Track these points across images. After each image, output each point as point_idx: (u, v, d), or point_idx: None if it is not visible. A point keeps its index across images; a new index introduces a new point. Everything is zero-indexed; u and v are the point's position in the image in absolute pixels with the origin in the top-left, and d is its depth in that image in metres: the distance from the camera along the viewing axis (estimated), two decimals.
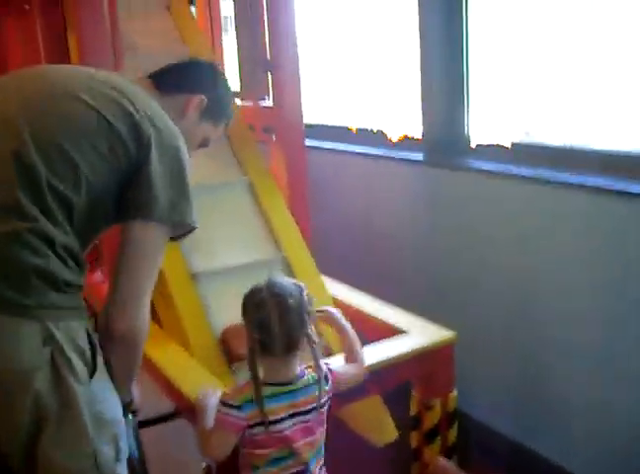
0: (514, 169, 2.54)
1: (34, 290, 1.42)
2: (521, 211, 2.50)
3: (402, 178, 3.08)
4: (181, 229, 1.62)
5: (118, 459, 1.54)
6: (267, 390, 1.70)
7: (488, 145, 2.76)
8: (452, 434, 2.28)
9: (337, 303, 2.53)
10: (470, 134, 2.89)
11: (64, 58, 3.01)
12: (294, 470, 1.75)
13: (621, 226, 2.18)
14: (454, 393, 2.25)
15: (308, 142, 3.09)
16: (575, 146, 2.50)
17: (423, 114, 2.98)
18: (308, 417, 1.74)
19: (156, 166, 1.54)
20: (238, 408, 1.70)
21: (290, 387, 1.72)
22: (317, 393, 1.74)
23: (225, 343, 2.32)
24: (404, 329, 2.28)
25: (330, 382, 1.78)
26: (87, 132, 1.50)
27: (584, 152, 2.44)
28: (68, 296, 1.48)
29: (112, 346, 1.55)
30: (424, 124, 2.99)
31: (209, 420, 1.78)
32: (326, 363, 1.82)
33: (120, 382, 1.60)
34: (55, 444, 1.44)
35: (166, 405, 2.35)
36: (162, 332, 2.47)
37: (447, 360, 2.21)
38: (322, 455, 1.82)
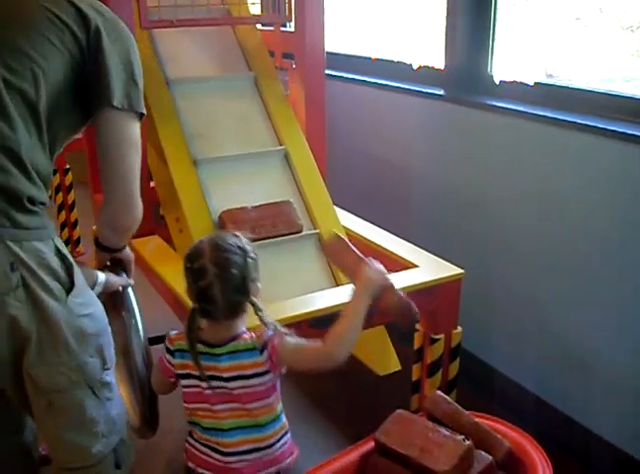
0: (535, 109, 2.49)
1: None
2: (540, 153, 2.47)
3: (421, 111, 3.04)
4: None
5: (105, 368, 1.59)
6: (199, 347, 1.65)
7: (511, 83, 2.70)
8: (454, 369, 2.32)
9: (349, 235, 2.56)
10: (493, 72, 2.84)
11: None
12: (214, 446, 1.70)
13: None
14: (458, 329, 2.28)
15: (327, 71, 3.06)
16: (598, 90, 2.45)
17: (446, 48, 2.93)
18: (231, 384, 1.64)
19: (109, 53, 1.53)
20: (171, 353, 1.70)
21: (217, 350, 1.64)
22: (252, 362, 1.64)
23: (222, 225, 2.40)
24: (415, 263, 2.30)
25: (266, 354, 1.63)
26: (37, 26, 1.47)
27: (608, 96, 2.40)
28: (32, 215, 1.46)
29: (114, 234, 1.65)
30: (446, 59, 2.95)
31: None
32: (274, 333, 1.66)
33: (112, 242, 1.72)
34: (40, 363, 1.47)
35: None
36: (175, 254, 2.51)
37: (454, 296, 2.24)
38: (256, 433, 1.70)
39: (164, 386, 1.78)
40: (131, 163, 1.59)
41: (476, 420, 1.94)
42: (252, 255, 1.63)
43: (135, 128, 1.60)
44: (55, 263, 1.48)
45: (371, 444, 1.95)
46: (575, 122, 2.32)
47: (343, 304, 2.02)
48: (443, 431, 1.88)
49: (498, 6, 2.76)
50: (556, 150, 2.41)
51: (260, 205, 2.47)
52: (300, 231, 2.46)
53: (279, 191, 2.59)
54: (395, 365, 2.48)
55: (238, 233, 1.68)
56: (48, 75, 1.46)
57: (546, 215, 2.47)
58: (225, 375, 1.63)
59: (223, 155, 2.61)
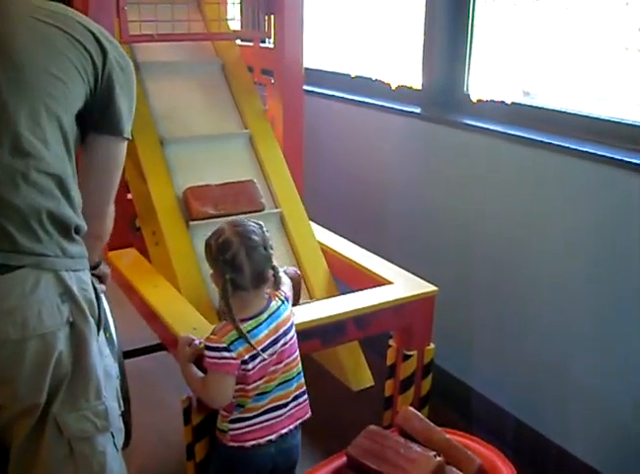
0: (512, 129, 2.51)
1: (49, 238, 1.35)
2: (517, 173, 2.50)
3: (398, 129, 3.07)
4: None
5: (120, 414, 1.54)
6: (247, 325, 1.76)
7: (488, 101, 2.73)
8: (426, 385, 2.33)
9: (325, 251, 2.58)
10: (470, 91, 2.87)
11: None
12: (293, 395, 1.88)
13: (620, 197, 2.16)
14: (431, 346, 2.29)
15: (307, 87, 3.08)
16: (576, 111, 2.47)
17: (423, 66, 2.95)
18: (289, 335, 1.84)
19: (119, 82, 1.50)
20: (227, 349, 1.73)
21: (265, 315, 1.79)
22: (289, 313, 1.86)
23: (186, 202, 2.46)
24: (389, 279, 2.31)
25: (290, 303, 1.89)
26: (61, 50, 1.41)
27: (584, 118, 2.40)
28: (77, 244, 1.43)
29: (89, 244, 1.52)
30: (424, 77, 2.97)
31: (194, 369, 1.84)
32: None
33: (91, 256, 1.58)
34: (70, 408, 1.40)
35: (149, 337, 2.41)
36: (151, 267, 2.52)
37: (428, 313, 2.25)
38: (302, 378, 1.92)
39: (229, 390, 1.78)
40: (116, 182, 1.59)
41: (447, 436, 1.96)
42: (265, 228, 1.83)
43: (125, 151, 1.59)
44: (92, 295, 1.44)
45: (344, 459, 1.96)
46: (550, 143, 2.34)
47: (317, 319, 2.06)
48: (415, 447, 1.90)
49: (475, 25, 2.80)
50: (532, 170, 2.44)
51: (224, 184, 2.53)
52: (262, 209, 2.53)
53: (243, 172, 2.67)
54: (369, 381, 2.49)
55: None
56: (73, 101, 1.43)
57: (525, 234, 2.49)
58: (283, 329, 1.82)
59: (191, 135, 2.71)
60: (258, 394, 1.81)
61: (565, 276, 2.36)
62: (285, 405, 1.86)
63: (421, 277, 2.33)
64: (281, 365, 1.82)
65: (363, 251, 2.56)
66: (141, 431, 2.01)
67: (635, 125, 2.23)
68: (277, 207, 2.61)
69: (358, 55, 3.73)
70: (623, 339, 2.21)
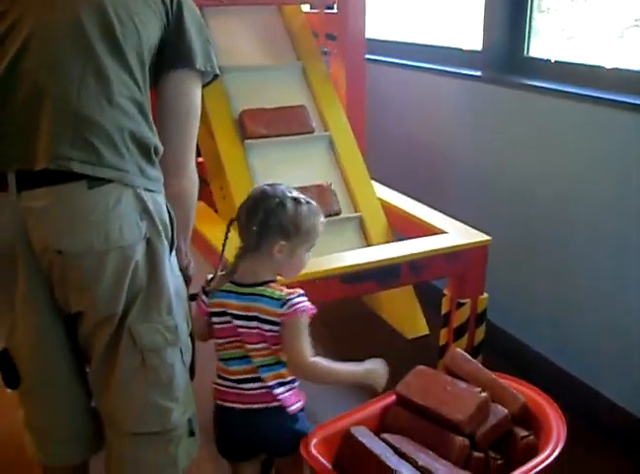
0: (570, 88, 2.53)
1: (130, 155, 1.45)
2: (573, 132, 2.51)
3: (458, 93, 3.12)
4: (208, 77, 1.67)
5: (189, 334, 1.65)
6: (227, 285, 1.73)
7: (545, 62, 2.75)
8: (479, 334, 2.38)
9: (383, 204, 2.66)
10: (531, 52, 2.90)
11: None
12: (248, 376, 1.75)
13: None
14: (485, 295, 2.34)
15: (370, 56, 3.17)
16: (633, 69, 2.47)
17: (484, 28, 2.99)
18: (254, 323, 1.69)
19: (188, 16, 1.57)
20: (206, 294, 1.76)
21: (242, 289, 1.71)
22: (267, 307, 1.69)
23: (241, 122, 2.61)
24: (444, 229, 2.38)
25: (286, 309, 1.67)
26: None
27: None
28: (155, 167, 1.52)
29: (172, 202, 1.58)
30: (484, 41, 3.01)
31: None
32: (300, 300, 1.70)
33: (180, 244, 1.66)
34: (143, 320, 1.51)
35: None
36: (217, 216, 2.64)
37: (481, 262, 2.31)
38: (279, 373, 1.76)
39: (200, 330, 1.81)
40: (194, 126, 1.62)
41: (494, 376, 2.01)
42: (288, 204, 1.67)
43: (199, 94, 1.64)
44: (166, 217, 1.53)
45: (393, 398, 2.03)
46: (611, 100, 2.35)
47: (373, 262, 2.13)
48: (461, 384, 1.95)
49: None
50: (590, 127, 2.45)
51: (277, 108, 2.70)
52: (312, 131, 2.71)
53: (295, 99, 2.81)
54: (424, 329, 2.55)
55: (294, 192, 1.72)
56: (149, 34, 1.51)
57: (583, 193, 2.51)
58: (247, 314, 1.70)
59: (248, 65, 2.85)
60: (222, 359, 1.79)
61: (622, 229, 2.37)
62: (236, 381, 1.77)
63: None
64: (237, 342, 1.74)
65: (420, 204, 2.64)
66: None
67: None
68: (325, 131, 2.76)
69: (418, 22, 3.78)
70: None
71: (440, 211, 2.60)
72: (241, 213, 1.70)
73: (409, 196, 2.78)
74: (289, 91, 2.83)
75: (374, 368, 1.80)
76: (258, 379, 1.74)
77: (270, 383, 1.74)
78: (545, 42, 2.85)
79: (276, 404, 1.75)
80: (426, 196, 2.84)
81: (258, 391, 1.75)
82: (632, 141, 2.29)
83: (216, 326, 1.75)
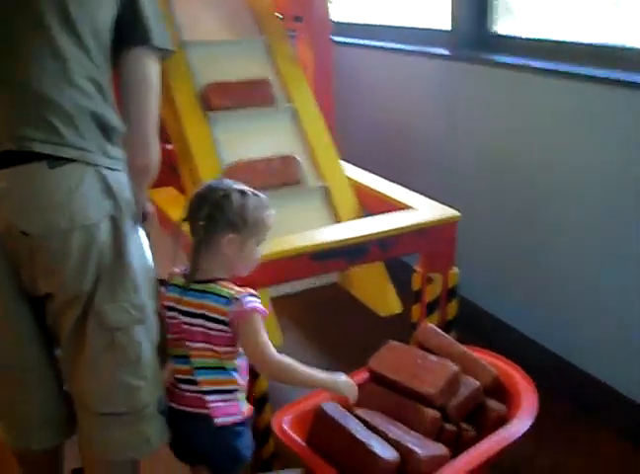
0: (534, 62, 2.55)
1: (92, 135, 1.47)
2: (540, 105, 2.53)
3: (428, 72, 3.12)
4: (166, 54, 1.67)
5: (156, 313, 1.65)
6: (179, 280, 1.70)
7: (512, 38, 2.77)
8: (452, 309, 2.38)
9: (352, 183, 2.67)
10: (497, 29, 2.91)
11: None
12: (186, 377, 1.70)
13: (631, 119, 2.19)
14: (455, 270, 2.35)
15: (340, 38, 3.18)
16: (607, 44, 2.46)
17: (452, 8, 3.00)
18: (199, 321, 1.64)
19: None
20: (166, 286, 1.73)
21: (193, 286, 1.66)
22: (214, 305, 1.63)
23: (205, 96, 2.65)
24: (413, 206, 2.38)
25: (233, 307, 1.61)
26: None
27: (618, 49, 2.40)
28: (116, 145, 1.53)
29: (132, 177, 1.59)
30: (452, 20, 3.02)
31: None
32: (249, 299, 1.63)
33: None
34: (110, 299, 1.52)
35: None
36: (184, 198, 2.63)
37: (450, 237, 2.31)
38: (217, 380, 1.69)
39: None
40: (153, 102, 1.62)
41: (465, 349, 2.02)
42: (234, 196, 1.62)
43: (157, 69, 1.63)
44: (129, 194, 1.55)
45: (366, 374, 2.03)
46: (574, 73, 2.37)
47: (344, 240, 2.13)
48: (432, 357, 1.96)
49: None
50: (556, 100, 2.47)
51: (240, 81, 2.73)
52: (273, 104, 2.75)
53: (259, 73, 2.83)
54: (396, 307, 2.55)
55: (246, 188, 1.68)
56: (104, 12, 1.51)
57: (549, 163, 2.53)
58: (191, 310, 1.66)
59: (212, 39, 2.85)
60: (170, 355, 1.74)
61: (592, 197, 2.39)
62: (178, 381, 1.72)
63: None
64: (181, 340, 1.69)
65: (389, 182, 2.63)
66: None
67: None
68: (288, 103, 2.78)
69: (389, 4, 3.78)
70: None
71: (412, 190, 2.60)
72: (189, 210, 1.66)
73: (380, 176, 2.78)
74: (254, 65, 2.82)
75: (345, 380, 1.77)
76: (193, 382, 1.69)
77: (204, 388, 1.68)
78: (522, 21, 2.86)
79: (206, 411, 1.68)
80: (397, 175, 2.83)
81: (191, 394, 1.69)
82: (599, 113, 2.31)
83: (168, 321, 1.71)
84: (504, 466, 1.98)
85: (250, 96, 2.67)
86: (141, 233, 1.63)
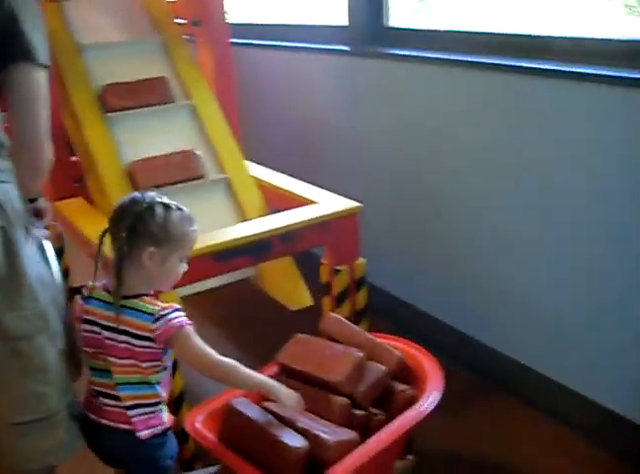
0: (432, 54, 2.62)
1: None
2: (436, 94, 2.61)
3: (327, 68, 3.18)
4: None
5: (60, 321, 1.62)
6: (101, 294, 1.67)
7: (405, 30, 2.86)
8: (361, 298, 2.43)
9: (257, 182, 2.71)
10: (391, 22, 2.98)
11: None
12: (107, 391, 1.67)
13: (543, 106, 2.24)
14: (361, 260, 2.40)
15: (240, 40, 3.20)
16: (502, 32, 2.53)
17: (349, 4, 3.06)
18: (123, 337, 1.61)
19: (22, 11, 1.56)
20: (84, 298, 1.69)
21: (110, 299, 1.63)
22: (138, 322, 1.60)
23: (102, 98, 2.66)
24: (315, 200, 2.42)
25: (159, 324, 1.58)
26: None
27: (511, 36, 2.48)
28: (2, 157, 1.52)
29: (23, 171, 1.58)
30: (349, 15, 3.08)
31: None
32: (175, 315, 1.60)
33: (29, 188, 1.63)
34: (8, 309, 1.49)
35: None
36: (95, 210, 2.63)
37: (353, 229, 2.36)
38: (139, 394, 1.66)
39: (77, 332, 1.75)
40: (41, 112, 1.61)
41: (369, 335, 2.06)
42: (157, 209, 1.61)
43: (45, 79, 1.62)
44: (19, 205, 1.53)
45: (275, 368, 2.05)
46: (471, 62, 2.45)
47: (246, 237, 2.15)
48: (338, 346, 2.00)
49: None
50: (452, 88, 2.55)
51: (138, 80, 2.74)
52: (172, 101, 2.76)
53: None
54: (307, 300, 2.58)
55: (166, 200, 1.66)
56: None
57: (456, 154, 2.60)
58: (110, 324, 1.63)
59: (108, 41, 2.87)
60: (89, 367, 1.71)
61: (487, 177, 2.48)
62: (97, 393, 1.69)
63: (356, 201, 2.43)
64: (102, 354, 1.66)
65: (292, 179, 2.68)
66: None
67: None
68: (187, 99, 2.81)
69: (288, 4, 3.84)
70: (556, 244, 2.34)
71: (320, 186, 2.64)
72: (110, 222, 1.65)
73: (289, 174, 2.81)
74: (151, 66, 2.83)
75: (289, 391, 1.75)
76: (115, 397, 1.66)
77: (126, 404, 1.64)
78: (438, 15, 2.97)
79: (127, 427, 1.65)
80: (305, 172, 2.87)
81: (112, 409, 1.66)
82: (486, 98, 2.40)
83: (85, 334, 1.69)
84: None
85: (148, 95, 2.68)
86: (39, 241, 1.61)
